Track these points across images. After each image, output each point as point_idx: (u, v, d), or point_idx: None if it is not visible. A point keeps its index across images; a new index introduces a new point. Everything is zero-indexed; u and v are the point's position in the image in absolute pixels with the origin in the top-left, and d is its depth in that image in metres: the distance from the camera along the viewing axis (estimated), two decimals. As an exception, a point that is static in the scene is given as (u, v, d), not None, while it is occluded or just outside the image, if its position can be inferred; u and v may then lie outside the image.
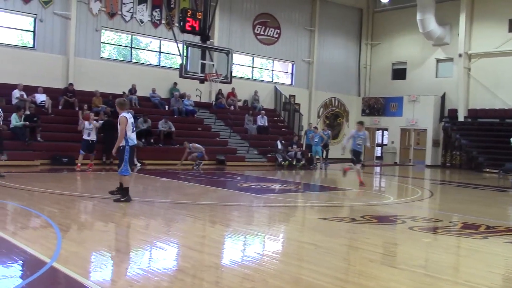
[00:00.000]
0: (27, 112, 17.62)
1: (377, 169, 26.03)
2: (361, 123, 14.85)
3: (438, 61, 29.99)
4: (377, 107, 31.52)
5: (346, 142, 15.14)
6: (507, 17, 26.90)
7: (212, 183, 14.68)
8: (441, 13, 28.25)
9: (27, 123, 17.16)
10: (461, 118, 28.20)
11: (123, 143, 9.28)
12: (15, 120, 16.98)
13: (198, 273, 5.12)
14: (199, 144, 19.05)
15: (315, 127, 25.15)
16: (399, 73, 31.91)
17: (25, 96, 18.46)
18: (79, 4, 21.38)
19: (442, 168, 27.58)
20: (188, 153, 18.81)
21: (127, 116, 9.33)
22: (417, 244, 7.19)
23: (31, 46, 20.87)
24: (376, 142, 32.68)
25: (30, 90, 19.06)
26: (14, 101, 18.25)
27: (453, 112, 28.61)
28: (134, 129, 9.65)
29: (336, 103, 31.74)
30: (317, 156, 23.35)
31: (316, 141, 23.14)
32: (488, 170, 24.22)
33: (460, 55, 28.09)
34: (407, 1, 30.00)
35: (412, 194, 14.20)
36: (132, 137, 9.46)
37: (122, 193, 9.48)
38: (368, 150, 32.19)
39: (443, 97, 29.14)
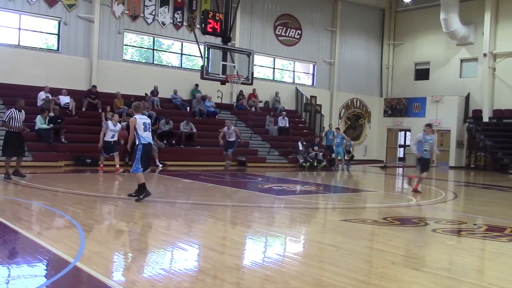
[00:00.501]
0: (51, 114, 17.89)
1: (400, 170, 25.76)
2: (429, 125, 13.84)
3: (462, 61, 29.55)
4: (399, 108, 31.20)
5: (415, 149, 13.82)
6: (533, 16, 26.40)
7: (233, 184, 14.70)
8: (465, 12, 27.83)
9: (52, 125, 17.42)
10: (485, 118, 27.74)
11: (136, 142, 9.68)
12: (40, 122, 17.26)
13: (219, 274, 5.13)
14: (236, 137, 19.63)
15: (337, 128, 24.97)
16: (422, 74, 31.53)
17: (49, 97, 18.75)
18: (102, 7, 21.66)
19: (466, 169, 27.15)
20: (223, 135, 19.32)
21: (136, 117, 9.71)
22: (440, 246, 7.09)
23: (56, 49, 21.22)
24: (399, 143, 32.38)
25: (55, 92, 19.36)
26: (40, 103, 18.56)
27: (478, 113, 28.15)
28: (148, 128, 9.84)
29: (358, 104, 31.53)
30: (339, 158, 23.20)
31: (338, 142, 22.99)
32: (513, 171, 23.76)
33: (484, 55, 27.63)
34: (430, 0, 29.64)
35: (435, 196, 14.01)
36: (145, 135, 9.69)
37: (139, 191, 9.67)
38: (391, 151, 32.05)
39: (467, 98, 28.70)
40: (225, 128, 19.52)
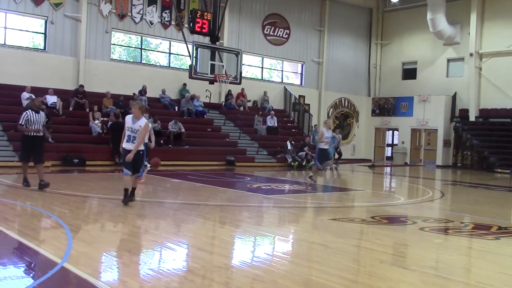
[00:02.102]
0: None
1: (388, 169, 25.91)
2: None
3: (449, 60, 29.79)
4: (387, 107, 31.38)
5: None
6: (519, 16, 26.68)
7: (222, 183, 14.69)
8: (452, 12, 28.06)
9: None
10: (472, 118, 27.99)
11: (141, 147, 9.21)
12: (26, 122, 17.09)
13: (208, 274, 5.12)
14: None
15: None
16: (409, 73, 31.74)
17: (33, 97, 18.57)
18: (90, 6, 21.51)
19: (453, 168, 27.39)
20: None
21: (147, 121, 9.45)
22: (428, 245, 7.14)
23: (42, 48, 21.03)
24: (386, 143, 32.57)
25: (41, 91, 19.18)
26: (24, 103, 18.38)
27: (464, 112, 28.40)
28: None
29: (346, 104, 31.65)
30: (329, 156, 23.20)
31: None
32: (499, 170, 24.00)
33: (471, 55, 27.88)
34: (417, 0, 29.82)
35: (422, 195, 14.11)
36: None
37: (132, 194, 9.38)
38: (378, 150, 32.25)
39: (454, 97, 28.94)
40: (324, 129, 14.71)
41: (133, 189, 9.38)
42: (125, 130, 9.09)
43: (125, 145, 9.03)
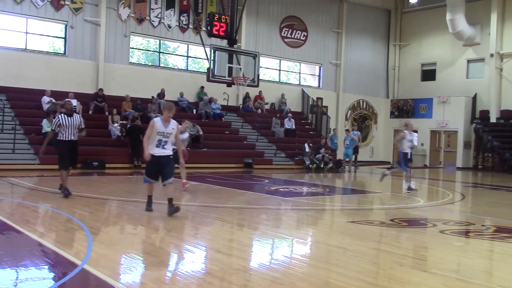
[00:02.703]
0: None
1: (407, 171, 25.64)
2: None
3: (468, 61, 29.43)
4: (406, 109, 31.10)
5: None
6: (540, 16, 26.26)
7: (240, 186, 14.70)
8: (472, 12, 27.71)
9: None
10: (493, 119, 27.60)
11: (170, 152, 8.72)
12: (46, 125, 17.34)
13: (226, 276, 5.12)
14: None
15: (346, 130, 24.89)
16: (428, 74, 31.41)
17: (53, 101, 18.84)
18: (109, 11, 21.76)
19: (474, 170, 27.02)
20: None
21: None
22: (448, 248, 7.05)
23: (62, 52, 21.32)
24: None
25: (61, 95, 19.43)
26: (45, 106, 18.66)
27: (485, 113, 28.01)
28: None
29: (364, 105, 31.46)
30: (347, 159, 23.14)
31: (347, 144, 22.96)
32: (521, 172, 23.62)
33: (491, 55, 27.51)
34: (436, 1, 29.56)
35: (443, 197, 13.95)
36: None
37: (170, 204, 8.51)
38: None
39: (474, 98, 28.57)
40: (407, 132, 13.81)
41: (171, 199, 8.49)
42: (153, 135, 8.29)
43: (155, 151, 8.31)
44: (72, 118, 10.03)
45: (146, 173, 8.61)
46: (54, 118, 17.53)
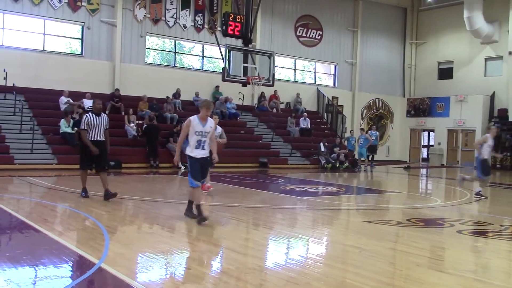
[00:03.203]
0: (75, 117, 18.15)
1: (423, 171, 25.46)
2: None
3: (486, 59, 29.09)
4: (422, 108, 30.84)
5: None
6: (560, 12, 25.85)
7: (255, 185, 14.70)
8: (489, 9, 27.37)
9: (76, 128, 17.67)
10: (511, 118, 27.23)
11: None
12: (64, 126, 17.55)
13: (242, 276, 5.13)
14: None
15: (361, 129, 24.77)
16: (445, 73, 31.12)
17: (71, 101, 19.04)
18: (125, 11, 21.93)
19: (492, 169, 26.63)
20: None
21: None
22: (466, 248, 6.98)
23: (79, 53, 21.55)
24: (422, 144, 32.02)
25: (78, 96, 19.66)
26: (62, 107, 18.86)
27: (503, 112, 27.64)
28: None
29: (380, 104, 31.26)
30: (362, 158, 23.02)
31: (361, 143, 22.84)
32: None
33: (510, 53, 27.15)
34: (453, -2, 29.28)
35: (460, 197, 13.80)
36: None
37: (199, 212, 7.96)
38: (414, 151, 31.71)
39: (492, 97, 28.22)
40: (488, 135, 13.05)
41: (199, 206, 7.92)
42: (191, 135, 7.88)
43: (196, 153, 7.80)
44: (100, 117, 9.72)
45: (193, 176, 7.88)
46: (72, 118, 17.88)
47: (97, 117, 9.65)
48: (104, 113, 9.79)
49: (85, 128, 9.61)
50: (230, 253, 6.22)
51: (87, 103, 19.60)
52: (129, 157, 18.43)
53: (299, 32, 27.61)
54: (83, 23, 21.19)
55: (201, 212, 7.84)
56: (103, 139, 9.77)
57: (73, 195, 10.55)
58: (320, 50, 28.43)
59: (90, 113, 9.75)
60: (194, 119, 7.91)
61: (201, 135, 7.84)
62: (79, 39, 21.55)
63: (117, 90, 20.79)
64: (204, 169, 8.23)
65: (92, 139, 9.62)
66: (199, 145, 7.88)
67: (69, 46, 22.13)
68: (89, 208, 8.97)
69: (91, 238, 6.59)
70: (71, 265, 5.43)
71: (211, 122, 8.05)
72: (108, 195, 9.69)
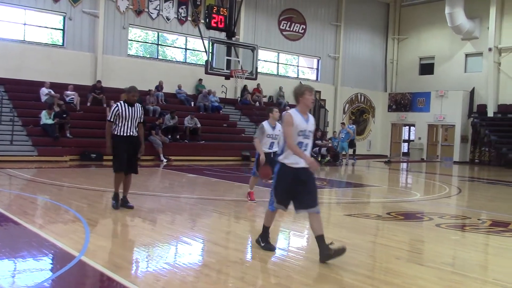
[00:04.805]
0: (57, 109, 17.95)
1: (404, 165, 25.74)
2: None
3: (467, 55, 29.44)
4: (404, 102, 31.13)
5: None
6: (539, 10, 26.26)
7: (238, 179, 14.72)
8: (470, 6, 27.68)
9: (57, 119, 17.49)
10: (490, 113, 27.65)
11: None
12: (45, 117, 17.35)
13: (223, 268, 5.16)
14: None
15: (342, 123, 24.89)
16: (426, 68, 31.43)
17: (52, 93, 18.82)
18: (107, 2, 21.69)
19: (471, 164, 27.09)
20: None
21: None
22: (444, 241, 7.09)
23: (61, 44, 21.27)
24: (403, 138, 32.33)
25: (60, 87, 19.44)
26: (43, 98, 18.65)
27: (482, 108, 28.06)
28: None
29: (362, 99, 31.48)
30: (343, 152, 23.16)
31: (342, 137, 22.97)
32: (519, 166, 23.70)
33: (490, 49, 27.52)
34: (435, -6, 29.52)
35: (439, 191, 14.00)
36: None
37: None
38: (395, 146, 32.03)
39: (472, 92, 28.59)
40: None
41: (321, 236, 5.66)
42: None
43: (293, 160, 5.54)
44: (133, 108, 8.07)
45: (277, 195, 5.76)
46: (52, 110, 17.67)
47: (130, 108, 8.03)
48: (139, 103, 8.31)
49: (113, 120, 8.02)
50: (212, 246, 6.24)
51: (68, 94, 19.40)
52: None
53: (283, 26, 27.62)
54: (64, 14, 20.90)
55: (323, 243, 5.47)
56: (137, 134, 8.20)
57: (53, 187, 10.46)
58: (303, 44, 28.48)
59: (121, 102, 8.11)
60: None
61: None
62: (61, 29, 21.26)
63: (99, 82, 20.60)
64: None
65: (123, 134, 8.01)
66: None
67: (50, 37, 21.83)
68: (70, 201, 8.91)
69: (72, 231, 6.55)
70: (51, 258, 5.40)
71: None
72: (124, 203, 8.27)
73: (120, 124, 7.99)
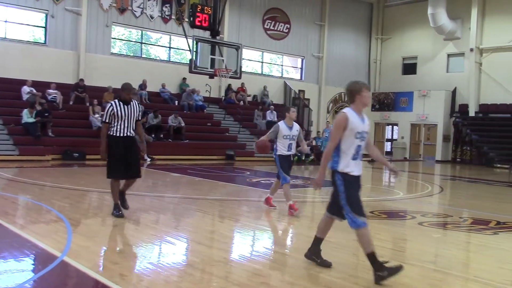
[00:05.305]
0: (39, 108, 17.75)
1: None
2: None
3: (449, 55, 29.78)
4: (387, 102, 31.37)
5: None
6: (520, 11, 26.66)
7: (221, 178, 14.71)
8: (453, 7, 28.00)
9: (39, 118, 17.29)
10: (472, 113, 28.00)
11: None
12: (26, 116, 17.14)
13: (207, 268, 5.15)
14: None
15: (328, 122, 25.02)
16: (409, 68, 31.72)
17: (34, 92, 18.60)
18: (90, 0, 21.48)
19: (453, 163, 27.40)
20: None
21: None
22: (427, 239, 7.16)
23: (43, 42, 21.02)
24: (386, 138, 32.59)
25: (42, 85, 19.22)
26: (25, 97, 18.42)
27: (464, 107, 28.41)
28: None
29: (346, 99, 31.52)
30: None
31: (326, 136, 23.08)
32: (499, 165, 24.04)
33: (471, 50, 27.86)
34: (418, -5, 29.79)
35: (422, 190, 14.14)
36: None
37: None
38: (378, 145, 32.25)
39: (454, 92, 28.93)
40: None
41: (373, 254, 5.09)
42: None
43: (353, 168, 5.13)
44: (129, 107, 7.43)
45: (355, 205, 5.07)
46: (34, 109, 17.45)
47: (125, 106, 7.39)
48: (136, 100, 7.69)
49: (108, 121, 7.34)
50: (196, 246, 6.23)
51: (50, 92, 19.19)
52: (93, 148, 17.99)
53: (267, 25, 27.64)
54: (47, 11, 20.65)
55: (378, 264, 4.95)
56: (134, 135, 7.51)
57: (34, 187, 10.34)
58: (287, 43, 28.54)
59: (116, 100, 7.47)
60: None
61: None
62: (43, 27, 21.01)
63: (82, 80, 20.40)
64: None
65: (119, 134, 7.34)
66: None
67: (32, 35, 21.55)
68: (52, 201, 8.81)
69: (54, 231, 6.48)
70: (32, 258, 5.34)
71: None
72: (123, 204, 7.75)
73: (115, 124, 7.34)
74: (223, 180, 14.07)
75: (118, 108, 7.33)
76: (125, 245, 6.12)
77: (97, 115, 19.16)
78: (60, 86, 19.71)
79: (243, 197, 10.97)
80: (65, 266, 4.98)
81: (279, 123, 8.45)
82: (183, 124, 20.61)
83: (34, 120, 17.16)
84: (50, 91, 19.13)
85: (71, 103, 19.69)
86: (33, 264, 5.19)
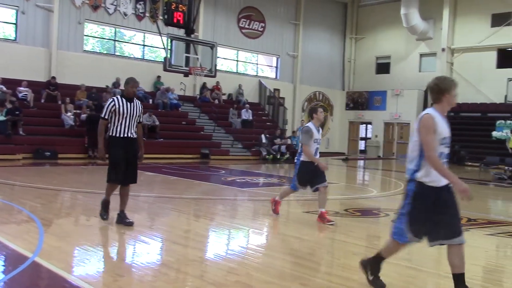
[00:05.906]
0: (9, 106, 17.38)
1: (361, 162, 26.19)
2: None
3: (421, 55, 30.24)
4: (361, 101, 31.69)
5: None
6: (490, 12, 27.21)
7: (196, 177, 14.64)
8: (425, 7, 28.44)
9: (9, 116, 16.94)
10: (444, 112, 28.43)
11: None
12: (-4, 114, 16.78)
13: (182, 267, 5.11)
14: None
15: (302, 120, 25.16)
16: (383, 68, 32.10)
17: (4, 89, 18.22)
18: (62, -4, 21.12)
19: (425, 161, 27.75)
20: None
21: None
22: (400, 237, 7.24)
23: (13, 38, 20.58)
24: (360, 136, 32.92)
25: (12, 83, 18.83)
26: (-5, 94, 18.02)
27: (436, 107, 28.82)
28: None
29: (321, 97, 31.84)
30: (301, 150, 23.33)
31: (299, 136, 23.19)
32: (470, 163, 24.51)
33: (443, 50, 28.35)
34: (391, -5, 30.16)
35: (395, 188, 14.31)
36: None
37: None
38: (352, 144, 32.57)
39: (426, 92, 29.34)
40: None
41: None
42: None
43: (432, 178, 4.45)
44: (133, 104, 6.80)
45: (413, 224, 4.58)
46: (4, 107, 17.09)
47: (128, 103, 6.76)
48: (138, 99, 7.18)
49: (108, 117, 6.72)
50: (171, 245, 6.18)
51: (21, 90, 18.81)
52: (65, 147, 17.88)
53: (242, 24, 27.61)
54: (17, 7, 20.22)
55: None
56: (135, 136, 6.92)
57: (5, 187, 10.12)
58: (262, 42, 28.57)
59: (118, 96, 6.89)
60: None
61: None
62: (13, 24, 20.56)
63: (54, 78, 20.04)
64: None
65: (120, 135, 6.73)
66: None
67: (2, 31, 21.07)
68: (23, 200, 8.64)
69: (25, 232, 6.35)
70: (3, 259, 5.22)
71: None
72: (122, 219, 6.97)
73: (116, 123, 6.69)
74: (198, 179, 14.01)
75: (120, 104, 6.68)
76: (98, 244, 6.04)
77: (69, 113, 18.87)
78: (31, 84, 19.34)
79: (218, 196, 10.94)
80: (37, 266, 4.89)
81: (308, 125, 7.61)
82: (157, 123, 20.44)
83: (4, 118, 16.80)
84: (21, 88, 18.76)
85: (42, 101, 19.35)
86: (3, 265, 5.07)
